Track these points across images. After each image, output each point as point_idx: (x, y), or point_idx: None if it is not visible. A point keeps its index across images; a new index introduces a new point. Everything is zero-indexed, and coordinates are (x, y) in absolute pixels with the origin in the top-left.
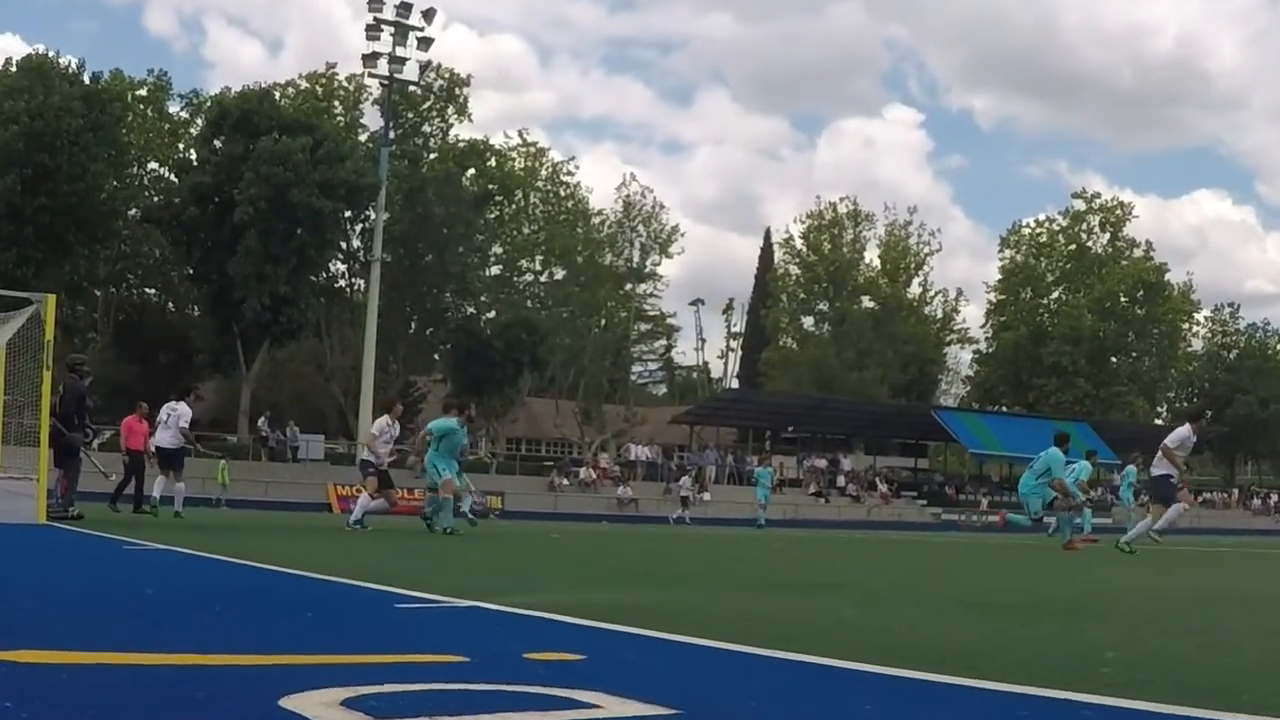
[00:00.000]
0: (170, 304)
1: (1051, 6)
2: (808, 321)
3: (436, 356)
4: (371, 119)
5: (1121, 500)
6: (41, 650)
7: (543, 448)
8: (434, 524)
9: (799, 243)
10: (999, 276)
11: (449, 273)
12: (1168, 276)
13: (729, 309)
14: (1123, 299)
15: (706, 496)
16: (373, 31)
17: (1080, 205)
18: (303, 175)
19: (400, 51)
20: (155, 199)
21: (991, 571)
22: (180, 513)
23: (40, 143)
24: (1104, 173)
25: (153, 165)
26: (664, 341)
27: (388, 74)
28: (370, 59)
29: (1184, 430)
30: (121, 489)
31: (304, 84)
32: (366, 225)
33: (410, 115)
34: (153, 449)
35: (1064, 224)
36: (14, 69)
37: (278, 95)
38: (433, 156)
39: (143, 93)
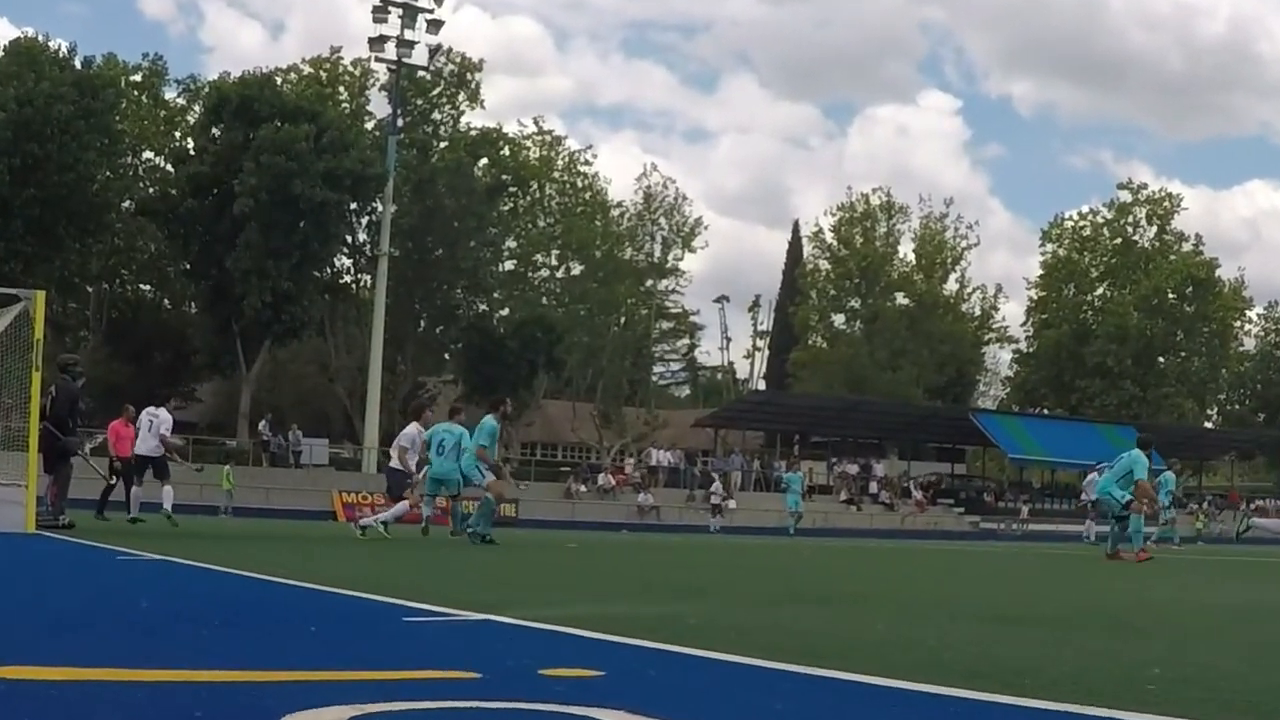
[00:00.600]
0: (166, 301)
1: None
2: (838, 319)
3: (447, 356)
4: (378, 106)
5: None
6: (30, 666)
7: (559, 452)
8: (477, 533)
9: (829, 236)
10: (1040, 272)
11: (460, 268)
12: (1218, 272)
13: (755, 306)
14: (1171, 296)
15: (732, 504)
16: (380, 13)
17: (1126, 197)
18: (306, 165)
19: (409, 34)
20: (150, 190)
21: (1031, 583)
22: (171, 515)
23: (29, 131)
24: (1151, 162)
25: (148, 155)
26: (687, 340)
27: (395, 58)
28: (377, 42)
29: None
30: (107, 495)
31: (307, 69)
32: (373, 218)
33: (419, 102)
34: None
35: (1109, 216)
36: (2, 54)
37: (279, 81)
38: (443, 145)
39: (137, 78)
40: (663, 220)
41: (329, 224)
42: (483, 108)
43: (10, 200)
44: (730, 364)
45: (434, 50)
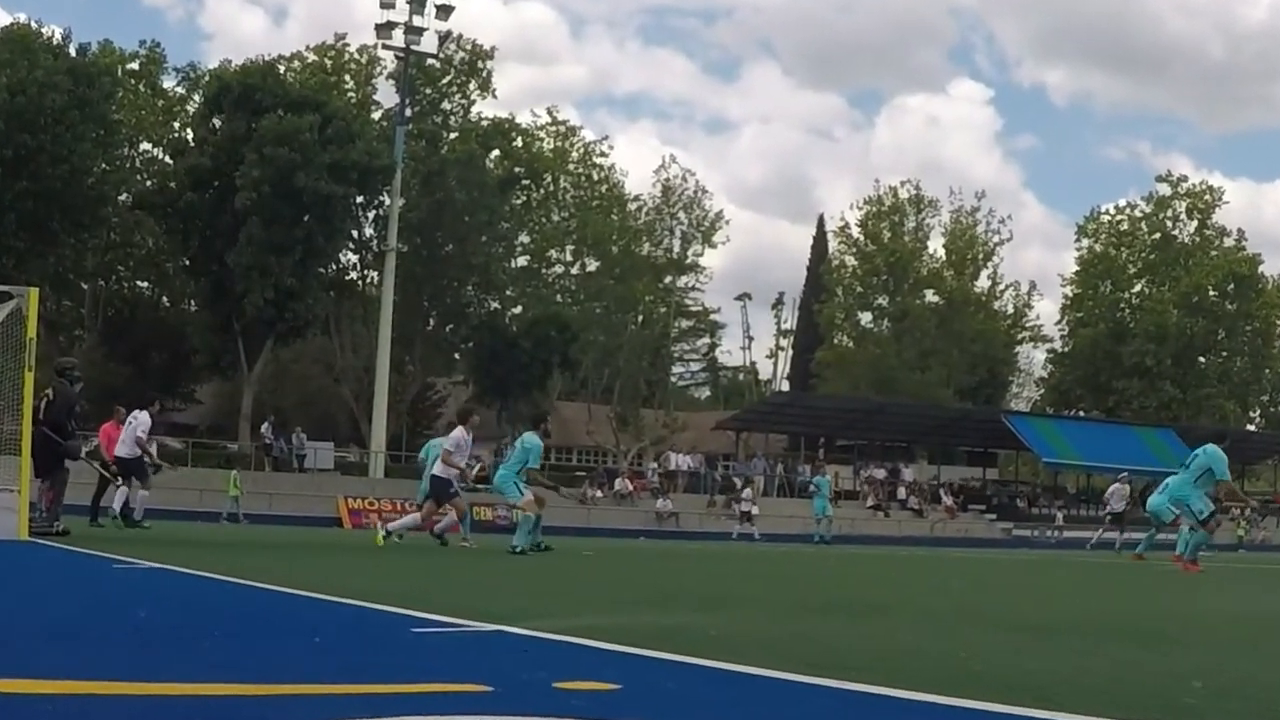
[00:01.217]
0: (164, 299)
1: None
2: (865, 318)
3: (457, 356)
4: (386, 95)
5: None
6: (24, 680)
7: (574, 456)
8: (529, 546)
9: (855, 231)
10: (1075, 268)
11: (471, 264)
12: (1261, 268)
13: (778, 304)
14: (1212, 293)
15: (755, 510)
16: None
17: (1165, 190)
18: (310, 157)
19: (417, 21)
20: (148, 183)
21: (1065, 592)
22: (142, 521)
23: (22, 121)
24: (1191, 154)
25: (145, 146)
26: (707, 340)
27: (403, 45)
28: (384, 29)
29: None
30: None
31: (311, 57)
32: (380, 212)
33: (428, 91)
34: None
35: (1147, 210)
36: None
37: (282, 69)
38: (453, 136)
39: (134, 66)
40: (682, 214)
41: (334, 218)
42: (494, 97)
43: (2, 193)
44: (752, 364)
45: (444, 37)
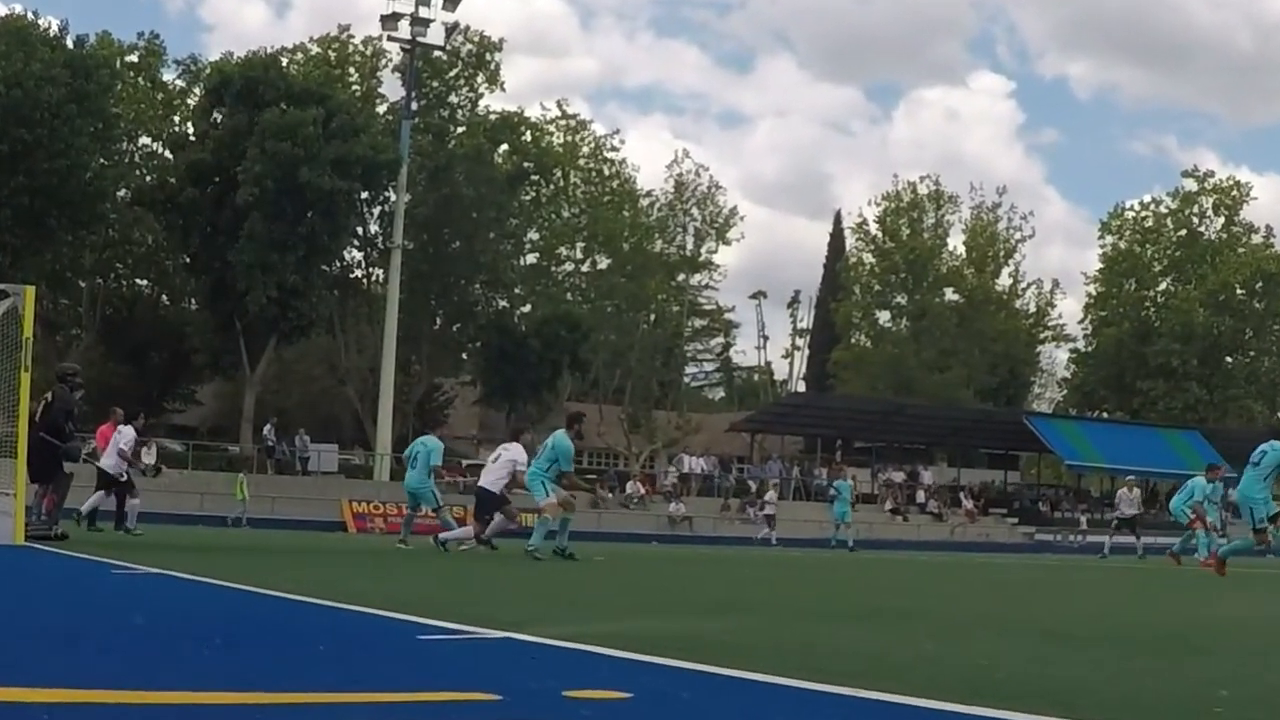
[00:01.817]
0: (164, 297)
1: None
2: (883, 316)
3: (465, 356)
4: (391, 88)
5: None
6: (19, 688)
7: (585, 459)
8: (564, 549)
9: (873, 228)
10: (1099, 266)
11: (479, 261)
12: None
13: (794, 302)
14: (1239, 291)
15: (761, 513)
16: None
17: (1191, 185)
18: (314, 151)
19: (423, 12)
20: (147, 178)
21: (1089, 598)
22: (134, 529)
23: (18, 115)
24: (1218, 149)
25: (145, 140)
26: (721, 339)
27: (409, 37)
28: (390, 20)
29: None
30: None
31: (315, 49)
32: (386, 208)
33: (435, 84)
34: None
35: (1173, 206)
36: None
37: (285, 61)
38: (460, 130)
39: (133, 59)
40: (695, 210)
41: (338, 214)
42: (503, 90)
43: None
44: (767, 364)
45: (450, 28)
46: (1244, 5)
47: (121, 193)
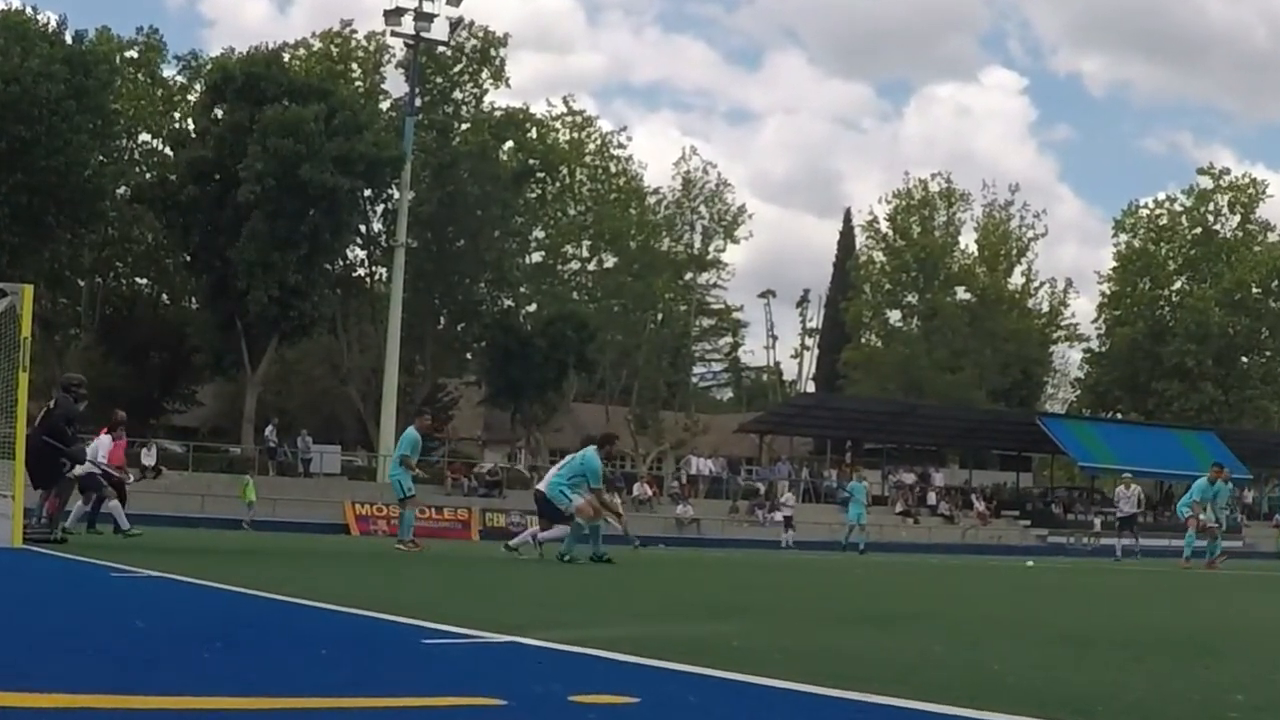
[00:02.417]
0: (164, 296)
1: None
2: (894, 316)
3: (469, 356)
4: (395, 84)
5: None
6: (17, 693)
7: None
8: (584, 554)
9: (884, 226)
10: (1113, 264)
11: (483, 260)
12: None
13: (804, 301)
14: (1255, 290)
15: (778, 516)
16: None
17: (1206, 183)
18: (316, 148)
19: (427, 7)
20: (147, 175)
21: (1100, 602)
22: (130, 529)
23: (16, 112)
24: (1233, 146)
25: (144, 137)
26: (729, 339)
27: (413, 32)
28: (393, 15)
29: None
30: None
31: (317, 44)
32: (389, 206)
33: (439, 80)
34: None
35: (1188, 204)
36: None
37: (287, 57)
38: (465, 127)
39: (133, 54)
40: (703, 208)
41: (341, 212)
42: (508, 86)
43: None
44: (776, 364)
45: (455, 24)
46: (1260, 1)
47: (121, 190)
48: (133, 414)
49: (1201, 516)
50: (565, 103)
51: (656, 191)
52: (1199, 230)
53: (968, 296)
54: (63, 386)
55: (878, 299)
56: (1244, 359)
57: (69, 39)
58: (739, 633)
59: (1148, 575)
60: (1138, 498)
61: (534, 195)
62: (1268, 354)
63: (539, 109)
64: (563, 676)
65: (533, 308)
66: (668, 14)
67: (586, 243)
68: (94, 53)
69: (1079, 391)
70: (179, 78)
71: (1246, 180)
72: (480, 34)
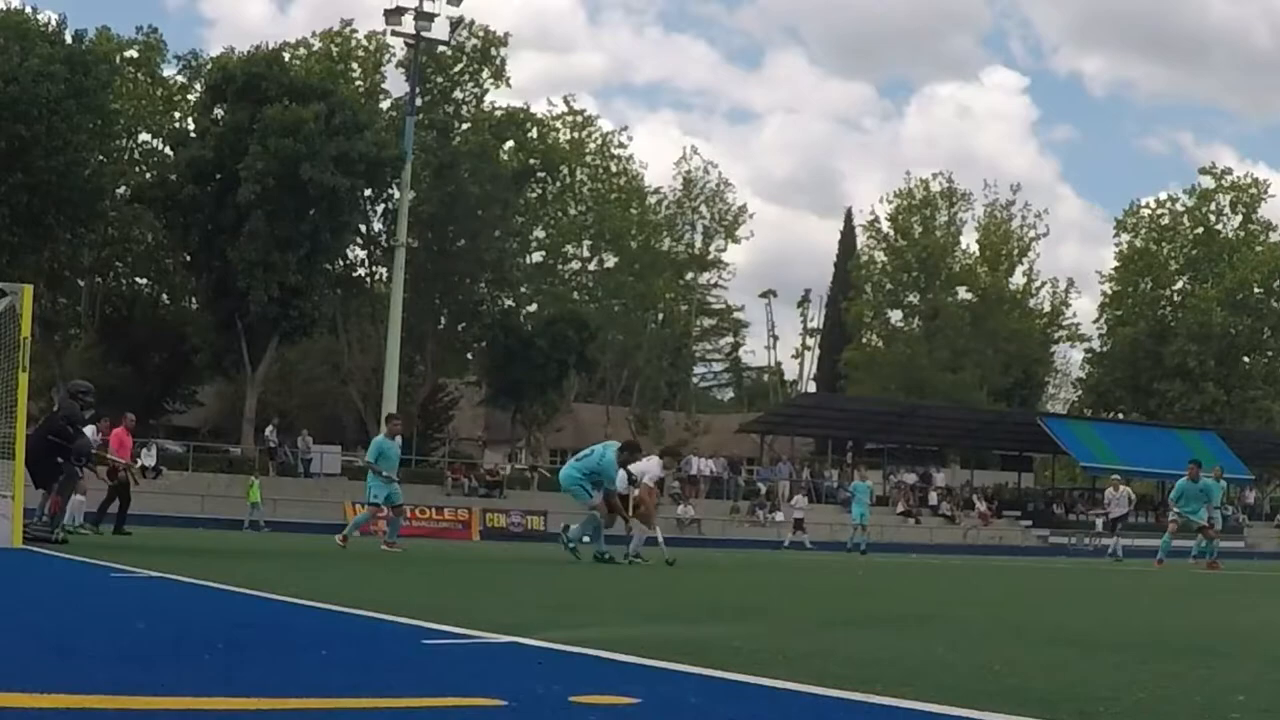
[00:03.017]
0: (164, 296)
1: None
2: (895, 316)
3: (470, 356)
4: (395, 84)
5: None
6: (16, 694)
7: None
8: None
9: (885, 225)
10: (1115, 264)
11: (484, 260)
12: None
13: (805, 301)
14: (1257, 290)
15: (779, 517)
16: None
17: (1208, 182)
18: (316, 148)
19: (428, 6)
20: (147, 175)
21: (1103, 603)
22: (81, 527)
23: (15, 111)
24: (1235, 145)
25: (144, 137)
26: (730, 339)
27: (413, 32)
28: (393, 15)
29: None
30: (105, 508)
31: (317, 44)
32: (389, 205)
33: (439, 79)
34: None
35: (1189, 204)
36: None
37: (287, 57)
38: (465, 127)
39: (132, 54)
40: (704, 208)
41: (341, 212)
42: (508, 86)
43: None
44: (777, 364)
45: (455, 23)
46: (1261, 0)
47: (121, 190)
48: (133, 414)
49: (1173, 515)
50: (566, 102)
51: (657, 191)
52: (1201, 230)
53: (969, 296)
54: (70, 393)
55: (879, 299)
56: (1246, 359)
57: (69, 39)
58: (740, 633)
59: (1148, 576)
60: (1128, 498)
61: (534, 195)
62: (1269, 354)
63: (539, 109)
64: (563, 677)
65: (533, 308)
66: (668, 13)
67: (587, 242)
68: (94, 52)
69: (1080, 392)
70: (179, 78)
71: (1248, 180)
72: (481, 33)
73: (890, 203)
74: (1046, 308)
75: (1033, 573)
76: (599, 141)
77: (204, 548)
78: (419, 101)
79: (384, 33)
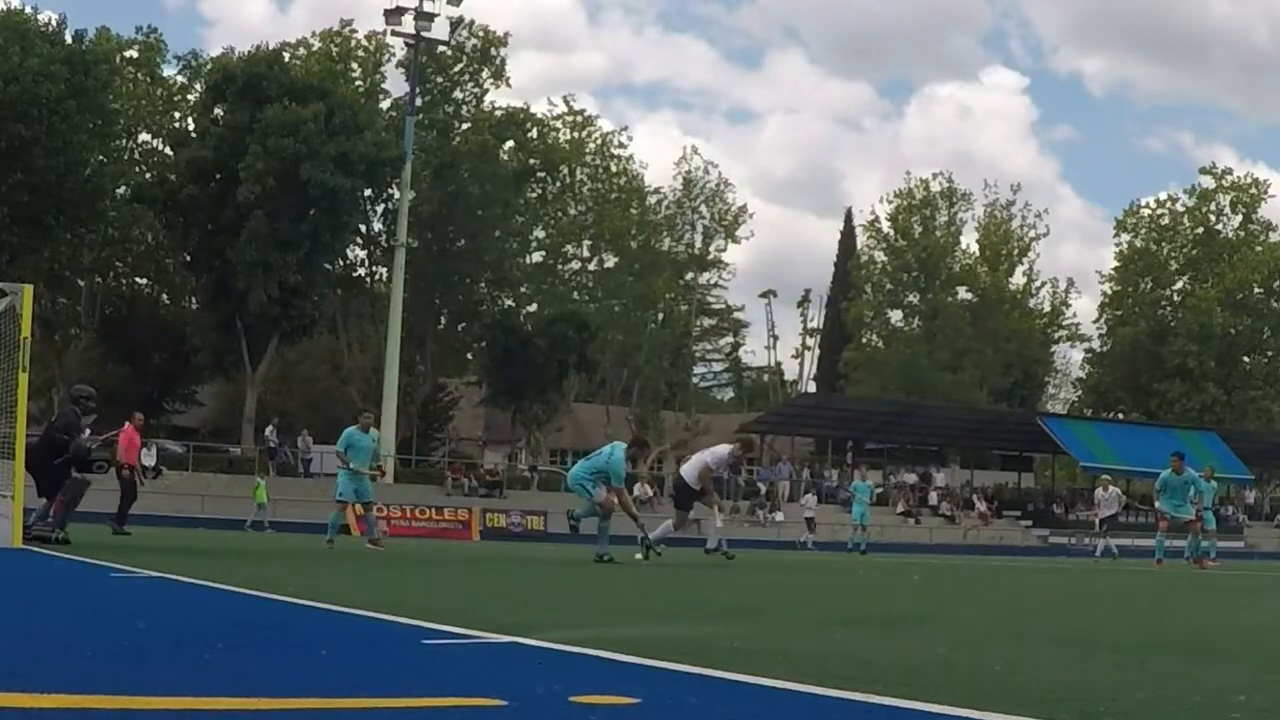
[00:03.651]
0: (164, 296)
1: None
2: (895, 316)
3: (470, 356)
4: (395, 84)
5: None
6: (16, 693)
7: None
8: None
9: (885, 225)
10: (1115, 264)
11: (484, 260)
12: None
13: (805, 301)
14: (1257, 290)
15: (779, 517)
16: None
17: (1208, 182)
18: (316, 148)
19: (428, 6)
20: (147, 175)
21: (1103, 603)
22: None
23: (15, 111)
24: (1235, 145)
25: (144, 137)
26: (730, 339)
27: (414, 32)
28: (393, 15)
29: None
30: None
31: (317, 44)
32: (389, 205)
33: (439, 79)
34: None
35: (1189, 204)
36: None
37: (287, 57)
38: (465, 127)
39: (133, 54)
40: (704, 208)
41: (341, 212)
42: (508, 86)
43: None
44: (777, 364)
45: (455, 23)
46: (1262, 0)
47: (121, 190)
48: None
49: (1159, 509)
50: (566, 102)
51: (657, 191)
52: (1201, 230)
53: (969, 296)
54: (72, 398)
55: (879, 299)
56: (1246, 359)
57: (69, 38)
58: (741, 633)
59: (1148, 576)
60: (1117, 498)
61: (534, 195)
62: (1269, 354)
63: (539, 109)
64: (563, 677)
65: (533, 307)
66: (668, 13)
67: (587, 242)
68: (94, 52)
69: (1080, 391)
70: (179, 77)
71: (1248, 180)
72: (481, 33)
73: (890, 203)
74: (1046, 308)
75: (1033, 573)
76: (599, 141)
77: (204, 548)
78: (419, 101)
79: (384, 33)
